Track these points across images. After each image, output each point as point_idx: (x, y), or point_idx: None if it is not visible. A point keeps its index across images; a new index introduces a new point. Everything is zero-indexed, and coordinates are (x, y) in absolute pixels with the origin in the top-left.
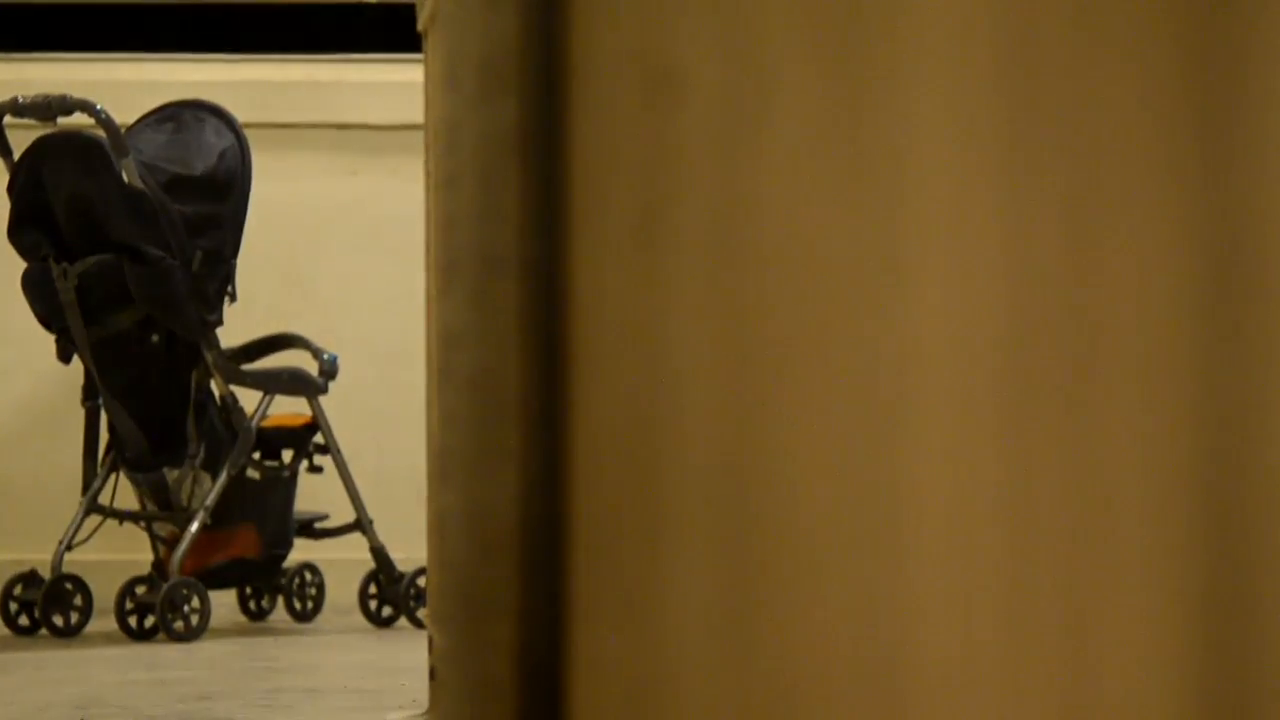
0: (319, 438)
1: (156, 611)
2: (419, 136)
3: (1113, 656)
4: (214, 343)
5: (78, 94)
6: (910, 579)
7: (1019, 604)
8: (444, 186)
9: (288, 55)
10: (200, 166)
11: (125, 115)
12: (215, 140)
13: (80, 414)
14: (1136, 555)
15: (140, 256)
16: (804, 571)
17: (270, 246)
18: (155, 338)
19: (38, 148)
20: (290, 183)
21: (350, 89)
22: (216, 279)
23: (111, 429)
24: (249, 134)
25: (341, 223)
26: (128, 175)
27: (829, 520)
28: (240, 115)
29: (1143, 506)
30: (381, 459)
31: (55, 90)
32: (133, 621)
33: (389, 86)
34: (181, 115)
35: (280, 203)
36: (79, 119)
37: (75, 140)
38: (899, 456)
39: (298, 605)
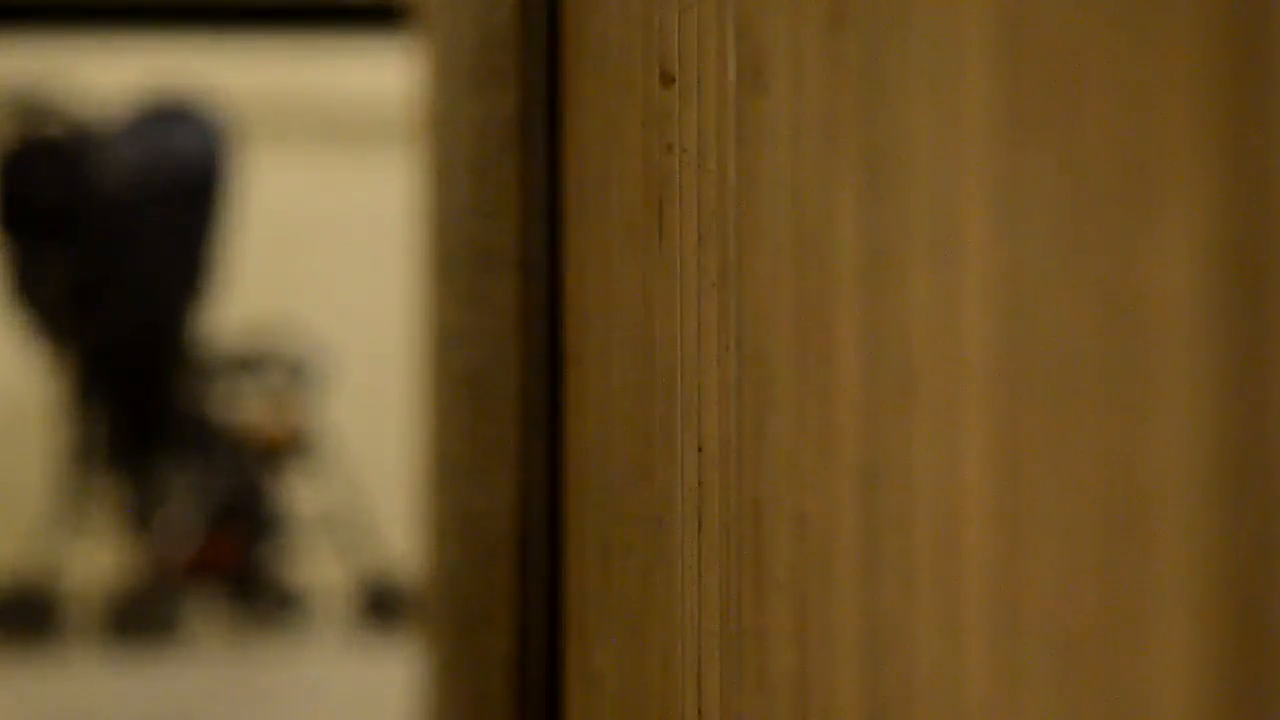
0: (317, 438)
1: (150, 614)
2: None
3: (1110, 668)
4: (205, 343)
5: (60, 90)
6: (909, 582)
7: (1013, 614)
8: (438, 181)
9: (286, 53)
10: (183, 165)
11: (115, 114)
12: (198, 138)
13: (70, 416)
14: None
15: (127, 257)
16: (804, 574)
17: (268, 246)
18: (145, 339)
19: (20, 148)
20: (289, 183)
21: (349, 87)
22: (204, 278)
23: (103, 430)
24: (248, 134)
25: (341, 222)
26: (111, 175)
27: (829, 521)
28: (239, 115)
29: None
30: (381, 459)
31: (37, 85)
32: (126, 624)
33: (388, 84)
34: (164, 113)
35: (279, 202)
36: (62, 120)
37: (58, 141)
38: (899, 458)
39: (295, 607)
